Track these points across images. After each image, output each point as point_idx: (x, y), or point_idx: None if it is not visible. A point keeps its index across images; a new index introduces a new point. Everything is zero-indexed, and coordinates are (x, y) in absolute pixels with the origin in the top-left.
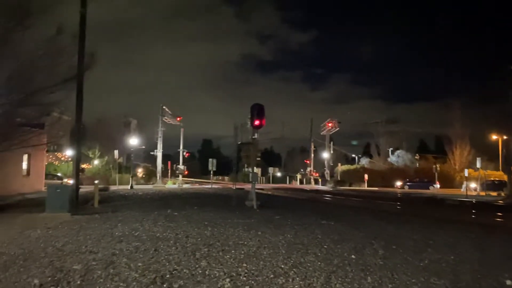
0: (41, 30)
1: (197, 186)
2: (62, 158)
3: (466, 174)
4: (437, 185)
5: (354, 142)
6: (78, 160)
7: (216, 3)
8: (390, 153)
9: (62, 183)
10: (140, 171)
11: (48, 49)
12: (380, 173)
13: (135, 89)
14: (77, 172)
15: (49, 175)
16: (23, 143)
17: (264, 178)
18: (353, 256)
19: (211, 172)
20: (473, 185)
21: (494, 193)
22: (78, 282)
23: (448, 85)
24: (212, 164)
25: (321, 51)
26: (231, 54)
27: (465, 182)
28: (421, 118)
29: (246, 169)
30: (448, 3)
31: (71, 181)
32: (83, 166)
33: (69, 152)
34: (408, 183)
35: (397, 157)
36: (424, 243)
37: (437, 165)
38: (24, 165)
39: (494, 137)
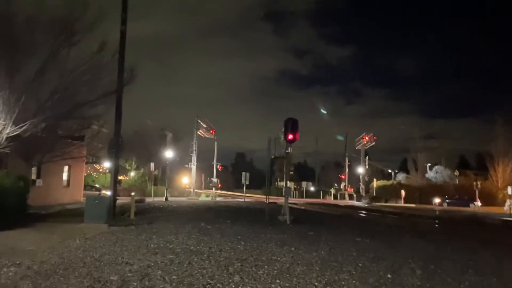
0: (85, 47)
1: (230, 199)
2: (100, 170)
3: (510, 192)
4: (478, 203)
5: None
6: (115, 172)
7: (254, 20)
8: (428, 169)
9: (100, 194)
10: (187, 184)
11: (90, 65)
12: (418, 189)
13: (172, 103)
14: (115, 183)
15: (87, 186)
16: (64, 155)
17: (297, 192)
18: (389, 276)
19: (244, 186)
20: None
21: None
22: None
23: (489, 100)
24: (245, 177)
25: (358, 66)
26: (267, 69)
27: (508, 200)
28: (462, 134)
29: (279, 183)
30: (488, 17)
31: (108, 193)
32: (120, 177)
33: (107, 164)
34: (447, 200)
35: (435, 173)
36: (464, 264)
37: (478, 182)
38: (65, 176)
39: None
